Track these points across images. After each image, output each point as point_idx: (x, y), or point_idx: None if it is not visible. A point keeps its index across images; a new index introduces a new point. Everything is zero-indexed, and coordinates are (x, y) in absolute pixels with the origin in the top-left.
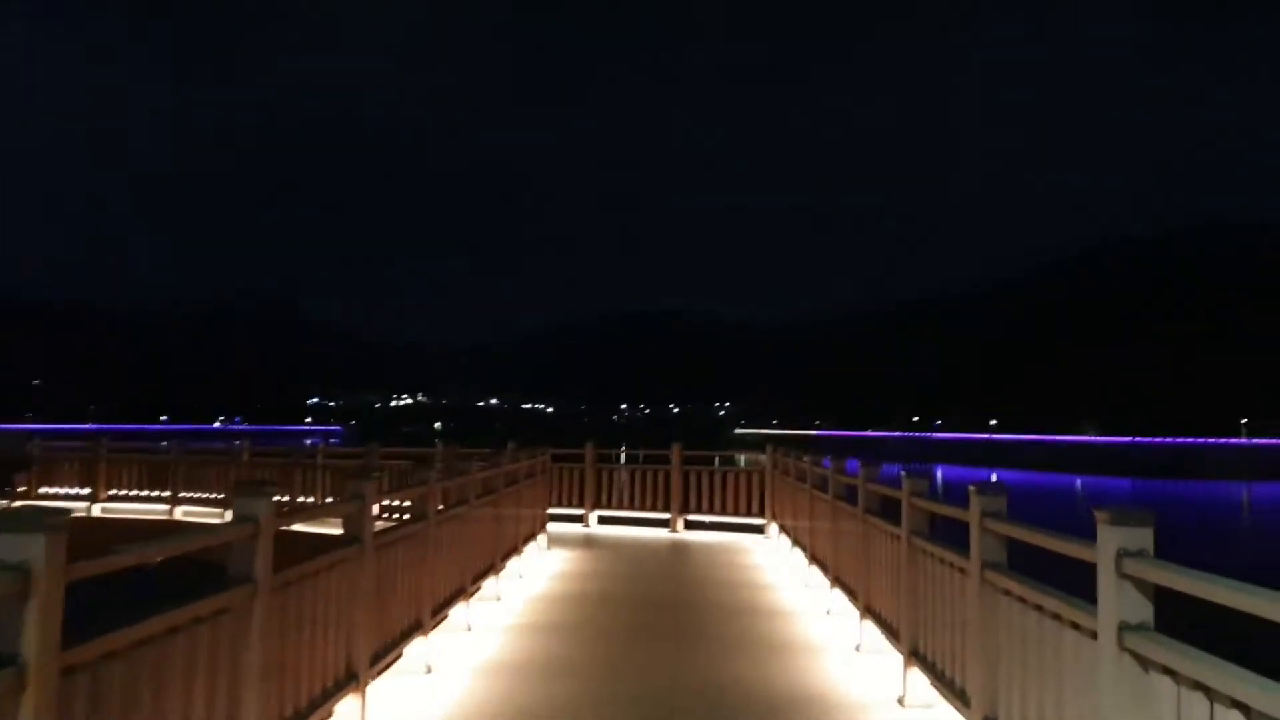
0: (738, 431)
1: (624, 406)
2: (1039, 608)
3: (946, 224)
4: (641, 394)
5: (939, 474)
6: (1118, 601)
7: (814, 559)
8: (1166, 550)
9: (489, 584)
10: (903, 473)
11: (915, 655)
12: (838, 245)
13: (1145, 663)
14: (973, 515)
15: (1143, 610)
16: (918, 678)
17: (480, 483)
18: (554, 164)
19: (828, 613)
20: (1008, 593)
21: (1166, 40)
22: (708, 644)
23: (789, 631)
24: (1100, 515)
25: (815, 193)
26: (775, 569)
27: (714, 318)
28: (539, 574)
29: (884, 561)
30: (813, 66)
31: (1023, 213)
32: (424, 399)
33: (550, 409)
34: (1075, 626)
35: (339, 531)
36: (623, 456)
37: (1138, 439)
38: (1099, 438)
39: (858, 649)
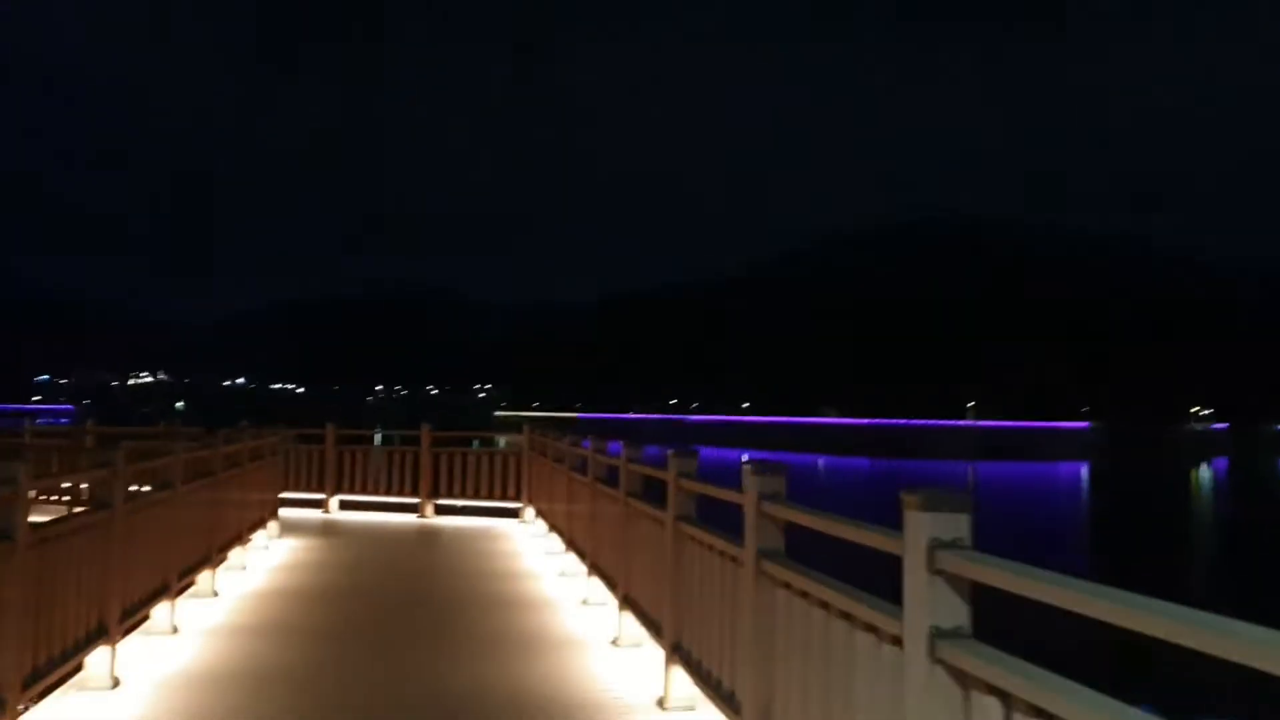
0: (499, 414)
1: (379, 388)
2: (825, 605)
3: (705, 208)
4: (398, 375)
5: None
6: (930, 602)
7: (571, 545)
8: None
9: (204, 578)
10: (669, 452)
11: (678, 652)
12: (604, 230)
13: (963, 677)
14: (748, 498)
15: (959, 613)
16: (681, 677)
17: (192, 464)
18: (265, 136)
19: (584, 603)
20: (788, 586)
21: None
22: (452, 643)
23: (542, 625)
24: (909, 499)
25: (586, 178)
26: (531, 556)
27: (477, 298)
28: (266, 566)
29: (646, 548)
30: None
31: (781, 197)
32: (165, 377)
33: (301, 389)
34: (871, 630)
35: None
36: (377, 438)
37: (873, 420)
38: (838, 419)
39: (615, 643)
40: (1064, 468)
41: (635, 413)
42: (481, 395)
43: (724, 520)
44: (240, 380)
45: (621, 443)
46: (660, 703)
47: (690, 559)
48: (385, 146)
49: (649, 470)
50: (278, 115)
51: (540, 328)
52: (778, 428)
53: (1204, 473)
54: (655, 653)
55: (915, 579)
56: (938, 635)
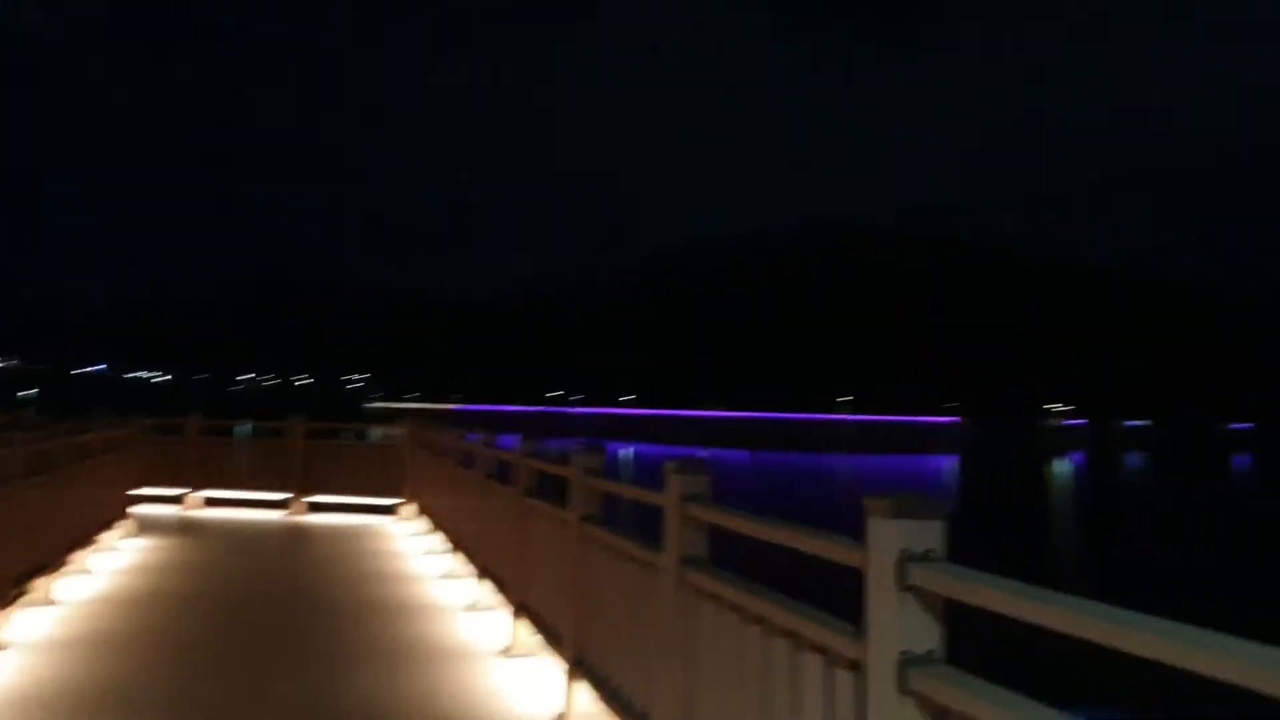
0: (373, 405)
1: (249, 376)
2: (762, 620)
3: (592, 210)
4: (267, 363)
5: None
6: (900, 624)
7: (458, 545)
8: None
9: (40, 584)
10: (574, 446)
11: (582, 666)
12: (493, 225)
13: (942, 714)
14: (669, 499)
15: (932, 636)
16: (585, 694)
17: (34, 458)
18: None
19: (472, 607)
20: (716, 598)
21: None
22: (322, 655)
23: (425, 633)
24: (875, 504)
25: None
26: (413, 557)
27: (349, 284)
28: (114, 569)
29: (546, 551)
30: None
31: (663, 199)
32: (16, 362)
33: (164, 376)
34: (820, 651)
35: None
36: (243, 429)
37: (753, 414)
38: (720, 412)
39: (508, 652)
40: (934, 460)
41: (515, 405)
42: (353, 386)
43: (624, 523)
44: (100, 366)
45: (517, 437)
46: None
47: (598, 564)
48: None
49: (551, 467)
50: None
51: (416, 319)
52: (660, 420)
53: (1061, 465)
54: (554, 665)
55: (882, 597)
56: (909, 663)
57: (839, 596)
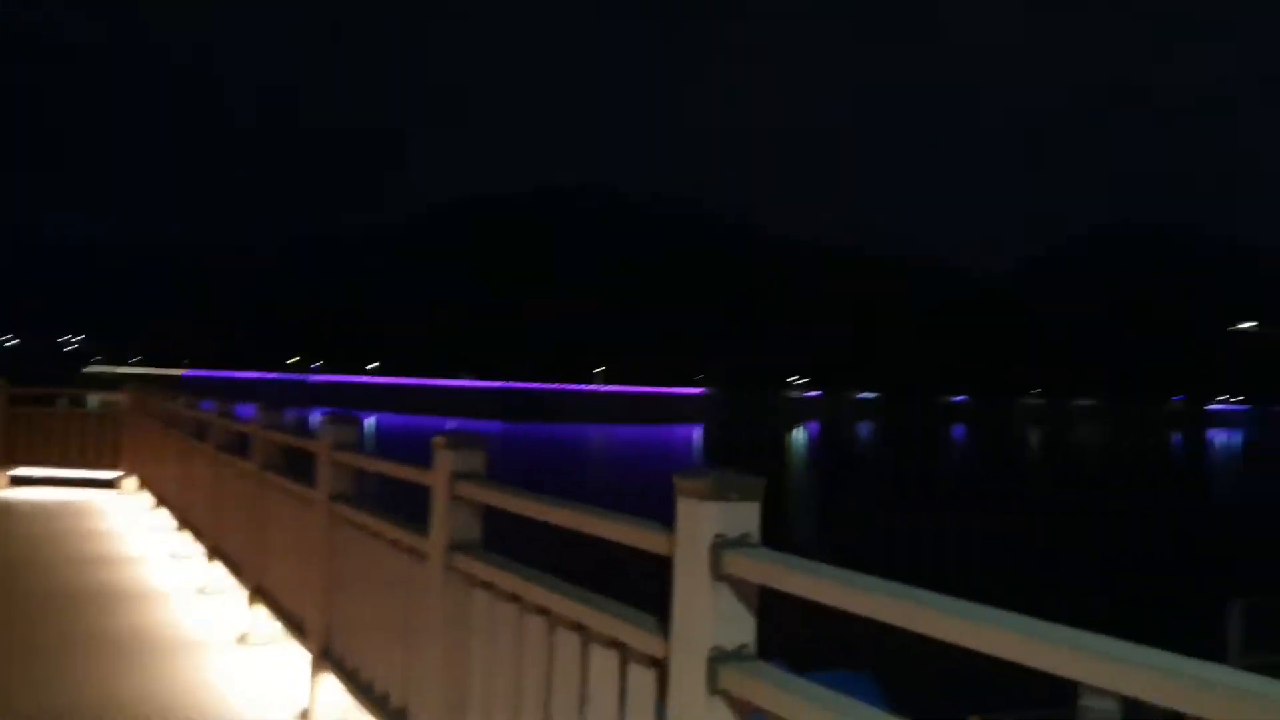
0: (91, 369)
1: None
2: (546, 611)
3: (346, 166)
4: None
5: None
6: (713, 617)
7: (185, 523)
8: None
9: None
10: (323, 416)
11: (330, 658)
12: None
13: (751, 712)
14: (438, 476)
15: (744, 629)
16: (333, 686)
17: None
18: None
19: (202, 592)
20: (490, 586)
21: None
22: (33, 649)
23: (150, 621)
24: (687, 484)
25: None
26: (134, 536)
27: (73, 238)
28: None
29: (289, 532)
30: None
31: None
32: None
33: None
34: (616, 646)
35: None
36: None
37: (506, 384)
38: (473, 381)
39: (243, 640)
40: (680, 430)
41: (252, 370)
42: (70, 347)
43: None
44: None
45: (255, 405)
46: (304, 716)
47: (351, 547)
48: None
49: (298, 441)
50: None
51: (140, 276)
52: (408, 390)
53: (799, 434)
54: (297, 655)
55: (693, 587)
56: (719, 659)
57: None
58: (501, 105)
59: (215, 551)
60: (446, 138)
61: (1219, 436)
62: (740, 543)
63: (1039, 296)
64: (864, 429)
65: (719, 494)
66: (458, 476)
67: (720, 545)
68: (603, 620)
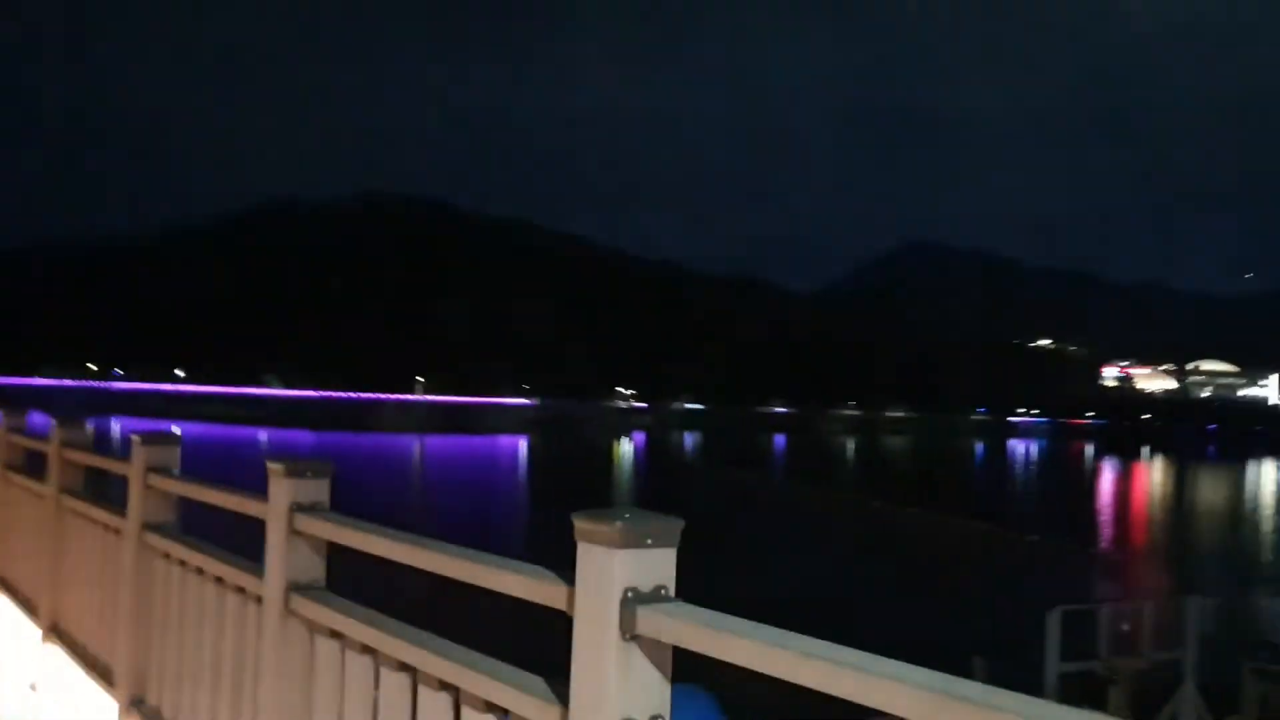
0: None
1: None
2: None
3: (154, 164)
4: None
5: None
6: (623, 683)
7: None
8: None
9: None
10: (137, 435)
11: (142, 709)
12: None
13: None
14: (274, 508)
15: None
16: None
17: None
18: None
19: None
20: (340, 636)
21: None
22: None
23: None
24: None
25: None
26: None
27: None
28: None
29: (95, 567)
30: None
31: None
32: None
33: None
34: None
35: None
36: None
37: (319, 393)
38: (283, 391)
39: (34, 689)
40: (505, 440)
41: (43, 378)
42: None
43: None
44: None
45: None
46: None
47: (171, 586)
48: None
49: (99, 460)
50: None
51: None
52: (216, 398)
53: (625, 445)
54: (102, 703)
55: (599, 649)
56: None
57: None
58: (323, 108)
59: (1, 584)
60: (259, 136)
61: (1019, 446)
62: (656, 597)
63: (859, 309)
64: (689, 438)
65: (632, 540)
66: (298, 509)
67: (633, 600)
68: (480, 682)
